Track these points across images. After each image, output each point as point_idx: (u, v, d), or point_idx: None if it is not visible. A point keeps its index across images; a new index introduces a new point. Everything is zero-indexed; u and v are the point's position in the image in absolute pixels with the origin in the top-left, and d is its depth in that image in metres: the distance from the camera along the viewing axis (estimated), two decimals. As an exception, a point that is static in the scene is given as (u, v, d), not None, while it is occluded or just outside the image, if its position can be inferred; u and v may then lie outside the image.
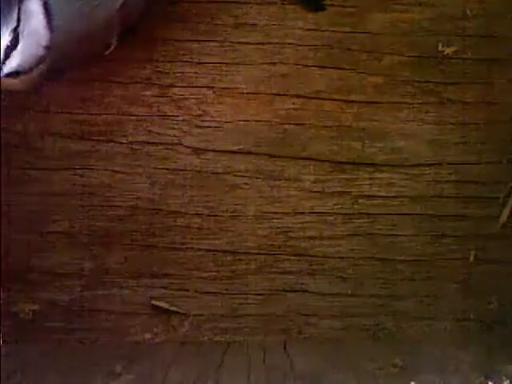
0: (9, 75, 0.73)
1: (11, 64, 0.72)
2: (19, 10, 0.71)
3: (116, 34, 0.82)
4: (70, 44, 0.77)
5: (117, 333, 0.96)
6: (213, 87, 0.97)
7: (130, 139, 0.96)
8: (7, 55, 0.71)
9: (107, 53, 0.85)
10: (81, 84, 0.95)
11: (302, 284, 0.97)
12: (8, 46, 0.71)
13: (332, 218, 0.97)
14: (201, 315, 0.97)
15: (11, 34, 0.71)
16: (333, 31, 0.97)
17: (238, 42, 0.96)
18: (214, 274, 0.97)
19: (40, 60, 0.75)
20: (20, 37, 0.71)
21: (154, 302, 0.96)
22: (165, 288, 0.97)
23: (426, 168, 0.98)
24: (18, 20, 0.71)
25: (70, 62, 0.80)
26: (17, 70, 0.73)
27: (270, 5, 0.96)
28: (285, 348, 0.93)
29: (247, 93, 0.97)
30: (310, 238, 0.97)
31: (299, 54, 0.97)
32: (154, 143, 0.96)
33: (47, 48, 0.74)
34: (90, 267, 0.96)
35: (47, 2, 0.73)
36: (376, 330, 0.97)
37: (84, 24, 0.77)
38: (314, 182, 0.97)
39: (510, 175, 0.97)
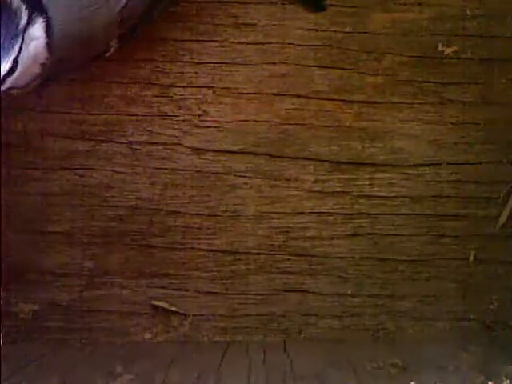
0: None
1: (5, 85, 0.72)
2: (23, 39, 0.71)
3: (116, 37, 0.82)
4: (70, 47, 0.77)
5: (117, 333, 0.96)
6: (213, 87, 0.96)
7: (130, 139, 0.96)
8: (2, 81, 0.71)
9: (107, 55, 0.85)
10: (81, 84, 0.95)
11: (302, 284, 0.97)
12: (6, 74, 0.71)
13: (332, 217, 0.97)
14: (201, 315, 0.97)
15: (10, 63, 0.70)
16: (333, 31, 0.97)
17: (238, 42, 0.96)
18: (214, 273, 0.97)
19: (35, 78, 0.75)
20: (19, 63, 0.71)
21: (153, 302, 0.96)
22: (165, 288, 0.97)
23: (426, 168, 0.98)
24: (20, 49, 0.71)
25: (69, 65, 0.81)
26: (10, 88, 0.73)
27: (270, 5, 0.96)
28: (285, 348, 0.93)
29: (247, 93, 0.97)
30: (310, 238, 0.97)
31: (299, 53, 0.97)
32: (153, 143, 0.96)
33: (43, 66, 0.74)
34: (90, 267, 0.96)
35: (50, 26, 0.73)
36: (376, 330, 0.97)
37: (84, 27, 0.77)
38: (314, 182, 0.97)
39: (510, 175, 0.97)
